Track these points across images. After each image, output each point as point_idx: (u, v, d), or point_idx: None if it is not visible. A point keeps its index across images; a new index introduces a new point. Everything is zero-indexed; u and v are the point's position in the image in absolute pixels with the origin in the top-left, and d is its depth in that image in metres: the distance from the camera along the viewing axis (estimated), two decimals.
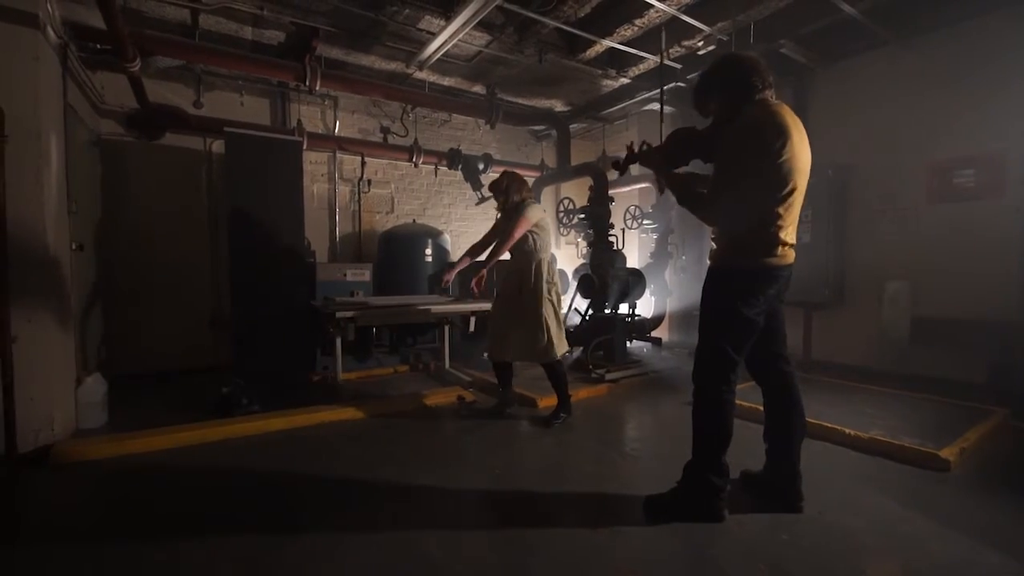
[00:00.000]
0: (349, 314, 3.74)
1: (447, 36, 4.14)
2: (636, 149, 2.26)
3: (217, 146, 4.81)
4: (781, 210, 1.91)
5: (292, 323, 4.08)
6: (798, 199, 1.95)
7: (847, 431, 2.90)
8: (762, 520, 2.05)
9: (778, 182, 1.88)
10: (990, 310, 3.83)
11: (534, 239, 3.23)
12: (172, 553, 1.85)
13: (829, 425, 2.98)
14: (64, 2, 3.29)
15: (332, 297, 4.35)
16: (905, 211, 4.39)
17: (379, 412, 3.51)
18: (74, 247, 3.30)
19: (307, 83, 4.60)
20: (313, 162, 5.48)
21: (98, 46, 3.82)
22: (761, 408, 2.27)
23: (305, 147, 4.96)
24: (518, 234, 3.19)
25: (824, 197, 4.62)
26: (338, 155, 5.59)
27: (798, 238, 2.06)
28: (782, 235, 1.95)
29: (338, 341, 3.95)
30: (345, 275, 4.83)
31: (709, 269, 2.11)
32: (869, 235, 4.63)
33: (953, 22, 4.03)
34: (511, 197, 3.27)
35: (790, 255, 2.00)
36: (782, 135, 1.85)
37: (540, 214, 3.27)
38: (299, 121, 5.25)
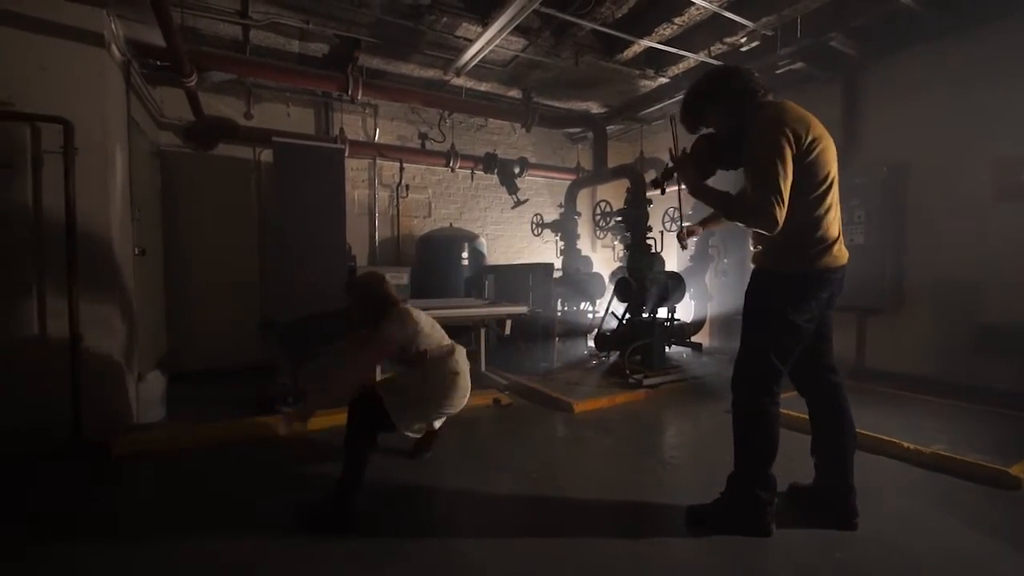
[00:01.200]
0: None
1: (484, 42, 4.18)
2: (673, 158, 2.12)
3: (265, 155, 5.03)
4: (824, 204, 1.85)
5: (331, 326, 4.20)
6: (835, 190, 1.89)
7: (906, 445, 2.73)
8: (814, 536, 1.95)
9: (815, 174, 1.82)
10: None
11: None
12: (224, 542, 1.93)
13: (886, 438, 2.81)
14: (127, 21, 3.52)
15: None
16: (968, 211, 4.10)
17: None
18: (137, 252, 3.51)
19: (349, 92, 4.74)
20: (354, 168, 5.64)
21: (158, 63, 4.06)
22: (806, 417, 2.16)
23: (347, 154, 5.11)
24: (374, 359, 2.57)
25: (879, 197, 4.38)
26: (378, 161, 5.74)
27: (850, 239, 1.96)
28: (832, 231, 1.87)
29: None
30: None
31: (754, 272, 2.02)
32: (928, 236, 4.34)
33: (1019, 7, 3.74)
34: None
35: (844, 254, 1.91)
36: (807, 127, 1.81)
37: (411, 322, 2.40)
38: (341, 129, 5.42)
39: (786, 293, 1.89)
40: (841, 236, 1.92)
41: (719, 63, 4.77)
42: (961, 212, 4.14)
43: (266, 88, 5.10)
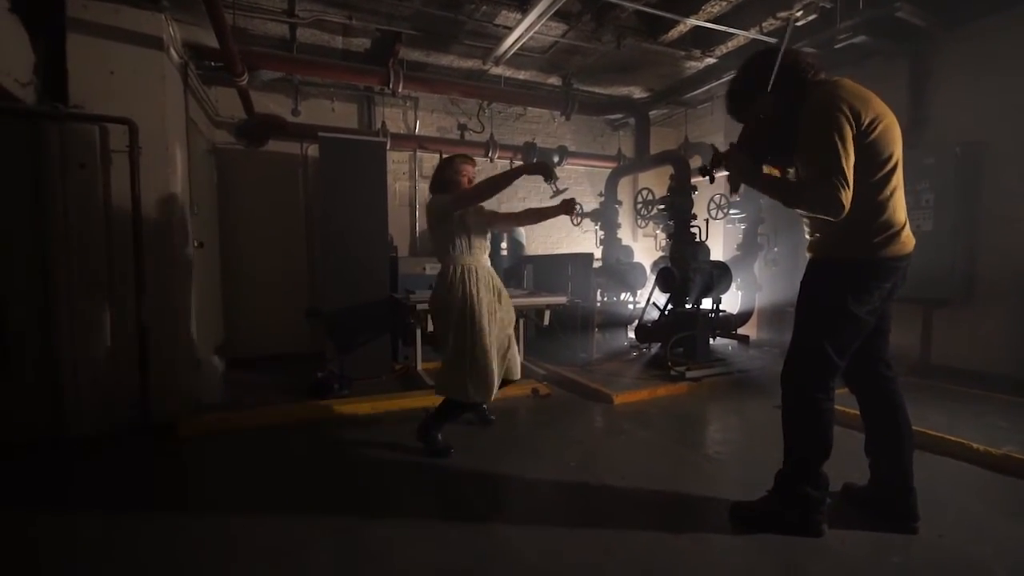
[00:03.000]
0: (427, 306, 3.88)
1: (524, 29, 4.13)
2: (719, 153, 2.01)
3: (312, 150, 5.20)
4: (888, 187, 1.72)
5: (375, 315, 4.33)
6: (900, 172, 1.75)
7: (975, 446, 2.54)
8: (868, 539, 1.85)
9: (877, 154, 1.70)
10: None
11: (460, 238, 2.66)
12: (281, 521, 2.04)
13: (952, 438, 2.63)
14: (183, 25, 3.70)
15: (412, 290, 4.55)
16: None
17: None
18: (196, 244, 3.72)
19: (391, 86, 4.82)
20: (396, 161, 5.74)
21: (212, 63, 4.26)
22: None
23: (389, 147, 5.21)
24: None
25: (951, 179, 4.03)
26: (418, 154, 5.81)
27: (916, 225, 1.82)
28: (897, 216, 1.75)
29: (418, 332, 4.13)
30: (424, 269, 5.02)
31: (812, 260, 1.90)
32: (1007, 222, 3.98)
33: None
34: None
35: (910, 241, 1.78)
36: (866, 105, 1.69)
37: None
38: (383, 123, 5.52)
39: (847, 283, 1.78)
40: (907, 222, 1.79)
41: (772, 40, 4.52)
42: None
43: (312, 85, 5.25)
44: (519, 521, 2.03)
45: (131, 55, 2.99)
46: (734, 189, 2.09)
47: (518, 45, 4.48)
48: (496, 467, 2.54)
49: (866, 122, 1.67)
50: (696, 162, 6.08)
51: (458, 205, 2.61)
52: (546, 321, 4.41)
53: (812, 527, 1.85)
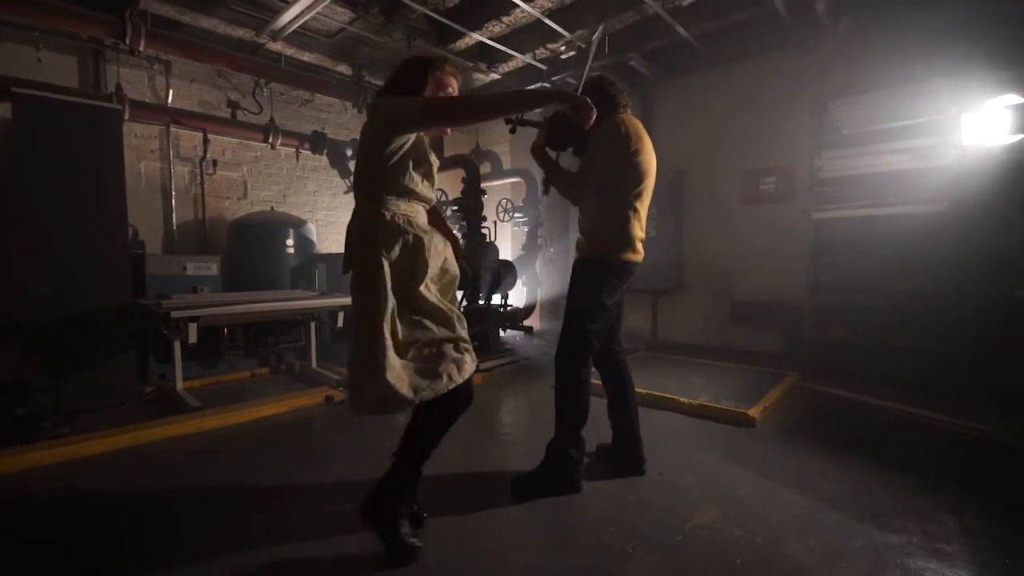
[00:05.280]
0: (188, 313, 3.29)
1: (303, 7, 3.82)
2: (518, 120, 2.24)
3: (3, 110, 3.85)
4: (635, 207, 2.18)
5: (108, 327, 3.45)
6: (647, 199, 2.24)
7: (682, 400, 3.36)
8: (612, 486, 2.29)
9: (633, 181, 2.16)
10: (788, 293, 4.71)
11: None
12: None
13: (669, 396, 3.42)
14: None
15: (166, 294, 3.78)
16: (726, 211, 5.18)
17: (228, 422, 3.16)
18: None
19: (128, 42, 3.90)
20: (140, 136, 4.68)
21: None
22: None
23: (127, 117, 4.22)
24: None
25: (666, 197, 5.26)
26: (172, 129, 4.84)
27: (646, 232, 2.32)
28: (637, 232, 2.22)
29: (176, 345, 3.46)
30: (185, 268, 4.23)
31: (578, 260, 2.29)
32: (700, 231, 5.38)
33: (756, 53, 4.81)
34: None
35: (642, 253, 2.27)
36: (640, 140, 2.16)
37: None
38: (118, 86, 4.42)
39: (601, 279, 2.19)
40: (643, 238, 2.26)
41: (543, 66, 5.14)
42: (720, 212, 5.21)
43: (4, 24, 3.88)
44: (303, 537, 1.89)
45: None
46: (545, 191, 2.46)
47: (298, 23, 4.13)
48: (291, 482, 2.32)
49: (634, 153, 2.13)
50: (486, 168, 6.54)
51: (430, 117, 1.58)
52: (340, 323, 4.18)
53: (573, 486, 2.20)
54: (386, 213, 1.61)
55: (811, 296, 4.41)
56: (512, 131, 2.25)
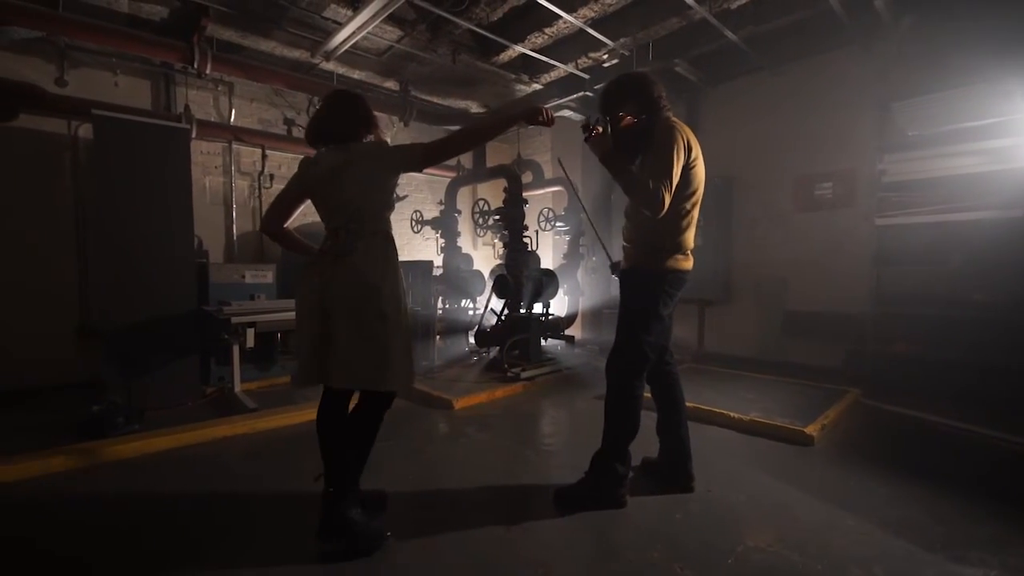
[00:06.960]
0: (246, 319, 3.47)
1: (355, 28, 3.99)
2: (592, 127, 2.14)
3: (85, 130, 4.23)
4: (692, 214, 2.12)
5: (176, 331, 3.69)
6: (698, 207, 2.17)
7: (732, 415, 3.23)
8: (658, 502, 2.22)
9: (687, 187, 2.08)
10: (846, 304, 4.45)
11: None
12: None
13: (718, 411, 3.29)
14: None
15: (227, 301, 4.01)
16: (778, 218, 4.97)
17: (282, 423, 3.30)
18: None
19: (195, 65, 4.19)
20: (205, 152, 5.01)
21: None
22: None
23: (194, 136, 4.52)
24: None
25: (712, 205, 5.09)
26: (234, 146, 5.16)
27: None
28: (689, 240, 2.16)
29: (235, 349, 3.65)
30: (244, 277, 4.47)
31: (630, 270, 2.23)
32: (749, 239, 5.18)
33: (811, 54, 4.62)
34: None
35: (692, 261, 2.20)
36: (694, 144, 2.10)
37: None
38: (187, 107, 4.76)
39: (656, 290, 2.13)
40: (693, 247, 2.19)
41: (585, 75, 5.13)
42: (772, 219, 5.00)
43: (85, 51, 4.28)
44: None
45: None
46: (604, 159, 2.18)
47: (350, 43, 4.31)
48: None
49: (692, 157, 2.06)
50: (527, 177, 6.57)
51: (429, 161, 1.93)
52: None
53: (618, 500, 2.15)
54: (391, 233, 2.02)
55: (874, 307, 4.15)
56: (587, 137, 2.13)
